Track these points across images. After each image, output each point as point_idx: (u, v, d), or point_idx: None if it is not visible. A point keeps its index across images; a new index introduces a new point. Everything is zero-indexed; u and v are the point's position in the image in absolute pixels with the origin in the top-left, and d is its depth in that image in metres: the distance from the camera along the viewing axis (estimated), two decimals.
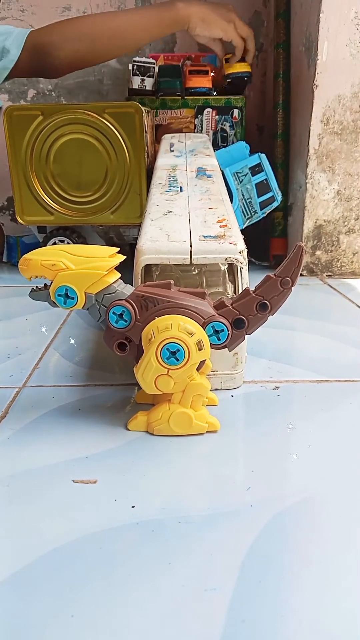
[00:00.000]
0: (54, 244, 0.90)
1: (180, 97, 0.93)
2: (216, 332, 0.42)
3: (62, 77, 0.92)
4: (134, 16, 0.84)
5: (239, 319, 0.42)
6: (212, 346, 0.42)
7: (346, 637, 0.26)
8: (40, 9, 1.08)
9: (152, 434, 0.44)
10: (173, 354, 0.40)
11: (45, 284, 0.43)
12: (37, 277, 0.42)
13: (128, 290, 0.43)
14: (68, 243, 0.90)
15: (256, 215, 0.84)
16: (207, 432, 0.44)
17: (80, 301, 0.42)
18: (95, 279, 0.42)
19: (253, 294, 0.42)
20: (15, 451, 0.42)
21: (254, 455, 0.41)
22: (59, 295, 0.42)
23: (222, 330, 0.42)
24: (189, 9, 0.84)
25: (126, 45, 0.86)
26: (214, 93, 0.95)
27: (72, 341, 0.63)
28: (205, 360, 0.42)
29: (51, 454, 0.41)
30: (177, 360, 0.40)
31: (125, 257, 0.44)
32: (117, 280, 0.43)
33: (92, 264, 0.42)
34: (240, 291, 0.48)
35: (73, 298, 0.42)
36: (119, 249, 0.44)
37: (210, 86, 0.94)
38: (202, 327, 0.41)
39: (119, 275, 0.44)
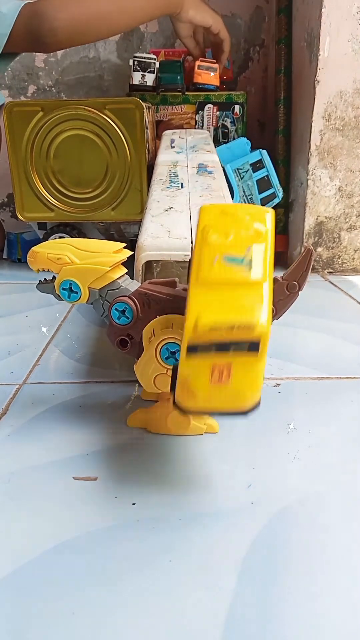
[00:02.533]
0: None
1: (180, 93, 0.93)
2: None
3: (59, 50, 0.88)
4: None
5: None
6: None
7: (347, 636, 0.26)
8: None
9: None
10: (172, 354, 0.40)
11: (53, 277, 0.43)
12: (44, 270, 0.42)
13: (133, 286, 0.43)
14: None
15: None
16: (205, 433, 0.43)
17: (84, 296, 0.42)
18: (98, 274, 0.42)
19: None
20: (15, 448, 0.42)
21: (254, 452, 0.41)
22: (63, 289, 0.42)
23: None
24: None
25: (123, 21, 0.85)
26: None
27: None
28: None
29: (51, 451, 0.41)
30: (177, 360, 0.40)
31: (132, 252, 0.44)
32: (122, 276, 0.43)
33: (97, 259, 0.42)
34: None
35: (77, 292, 0.42)
36: (125, 244, 0.44)
37: (218, 84, 0.94)
38: None
39: (125, 271, 0.44)
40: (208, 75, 0.93)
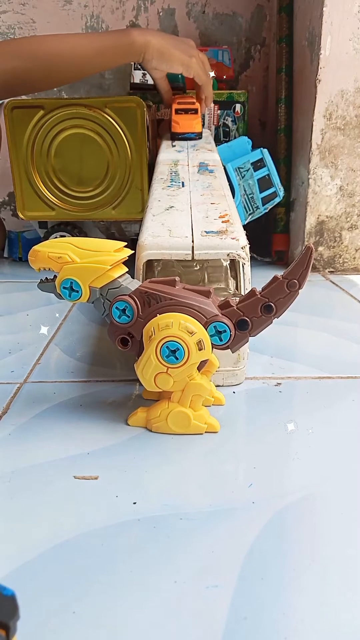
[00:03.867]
0: None
1: (181, 91, 0.93)
2: (218, 332, 0.41)
3: None
4: (84, 40, 0.74)
5: (242, 320, 0.41)
6: (214, 346, 0.41)
7: (347, 635, 0.26)
8: (42, 2, 1.07)
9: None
10: (173, 353, 0.40)
11: (54, 276, 0.43)
12: (44, 268, 0.43)
13: (133, 285, 0.43)
14: None
15: (258, 211, 0.84)
16: (206, 432, 0.43)
17: (85, 295, 0.42)
18: (99, 273, 0.42)
19: (259, 295, 0.41)
20: (16, 447, 0.42)
21: (255, 452, 0.41)
22: (64, 287, 0.42)
23: (225, 331, 0.41)
24: (145, 37, 0.75)
25: (73, 70, 0.75)
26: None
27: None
28: (206, 360, 0.42)
29: (52, 450, 0.41)
30: (177, 359, 0.40)
31: (132, 251, 0.44)
32: (123, 274, 0.43)
33: (97, 258, 0.42)
34: (242, 287, 0.48)
35: (77, 291, 0.42)
36: (126, 243, 0.44)
37: (200, 130, 0.81)
38: (204, 327, 0.41)
39: (126, 269, 0.44)
40: (189, 122, 0.80)
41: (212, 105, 0.93)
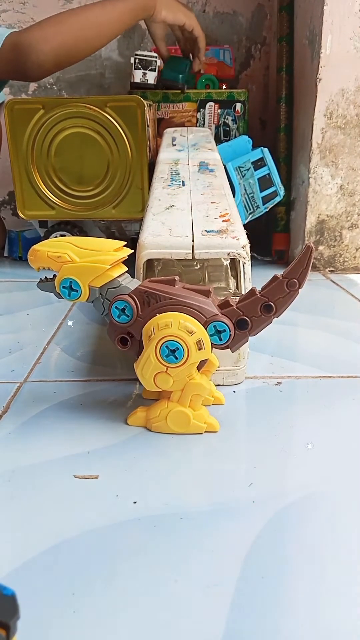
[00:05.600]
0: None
1: (181, 92, 0.93)
2: (218, 332, 0.41)
3: (44, 77, 0.86)
4: (112, 6, 0.84)
5: (242, 320, 0.41)
6: (214, 346, 0.41)
7: (348, 634, 0.26)
8: (42, 1, 1.07)
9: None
10: (172, 352, 0.40)
11: (54, 275, 0.43)
12: (44, 268, 0.42)
13: (133, 284, 0.43)
14: None
15: (258, 210, 0.84)
16: (206, 432, 0.43)
17: (84, 294, 0.42)
18: (98, 273, 0.42)
19: (258, 295, 0.41)
20: (16, 446, 0.42)
21: (256, 451, 0.41)
22: (63, 287, 0.42)
23: (224, 331, 0.41)
24: None
25: (104, 36, 0.86)
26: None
27: (69, 323, 0.63)
28: (206, 359, 0.42)
29: (52, 449, 0.41)
30: (176, 358, 0.40)
31: (132, 250, 0.44)
32: (122, 274, 0.43)
33: (97, 258, 0.42)
34: (242, 286, 0.48)
35: (77, 291, 0.42)
36: (125, 242, 0.44)
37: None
38: (204, 327, 0.41)
39: (126, 269, 0.44)
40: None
41: (212, 104, 0.93)
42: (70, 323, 0.63)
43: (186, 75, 0.93)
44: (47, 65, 0.81)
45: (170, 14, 0.90)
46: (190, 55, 0.97)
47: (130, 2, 0.85)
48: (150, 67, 0.92)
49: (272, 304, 0.41)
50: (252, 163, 0.82)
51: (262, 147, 0.83)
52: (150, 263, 0.55)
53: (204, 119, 0.95)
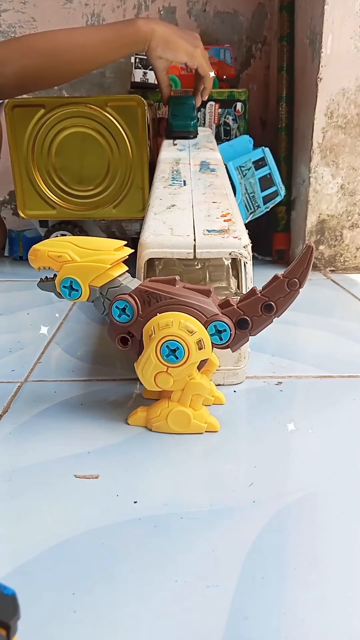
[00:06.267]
0: None
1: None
2: (218, 331, 0.41)
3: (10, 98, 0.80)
4: (91, 33, 0.75)
5: (242, 320, 0.41)
6: (214, 346, 0.41)
7: (348, 634, 0.26)
8: (42, 1, 1.07)
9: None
10: (173, 352, 0.40)
11: (54, 275, 0.43)
12: (45, 267, 0.42)
13: (133, 284, 0.43)
14: None
15: (259, 210, 0.84)
16: (206, 432, 0.43)
17: (85, 294, 0.42)
18: (99, 272, 0.42)
19: (259, 294, 0.41)
20: (17, 446, 0.42)
21: (256, 451, 0.41)
22: (63, 286, 0.42)
23: (225, 330, 0.41)
24: (150, 26, 0.75)
25: (83, 63, 0.76)
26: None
27: (57, 315, 0.63)
28: (207, 359, 0.42)
29: (53, 449, 0.41)
30: (177, 358, 0.40)
31: (133, 250, 0.44)
32: (123, 273, 0.43)
33: (97, 257, 0.41)
34: (243, 286, 0.48)
35: (77, 290, 0.42)
36: (126, 242, 0.44)
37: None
38: (204, 326, 0.41)
39: (126, 268, 0.43)
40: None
41: (213, 103, 0.93)
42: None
43: (195, 117, 0.84)
44: (8, 88, 0.75)
45: (168, 52, 0.77)
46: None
47: (112, 34, 0.75)
48: (150, 67, 0.92)
49: (272, 303, 0.41)
50: (253, 163, 0.82)
51: (263, 147, 0.83)
52: (151, 262, 0.55)
53: (204, 118, 0.94)
